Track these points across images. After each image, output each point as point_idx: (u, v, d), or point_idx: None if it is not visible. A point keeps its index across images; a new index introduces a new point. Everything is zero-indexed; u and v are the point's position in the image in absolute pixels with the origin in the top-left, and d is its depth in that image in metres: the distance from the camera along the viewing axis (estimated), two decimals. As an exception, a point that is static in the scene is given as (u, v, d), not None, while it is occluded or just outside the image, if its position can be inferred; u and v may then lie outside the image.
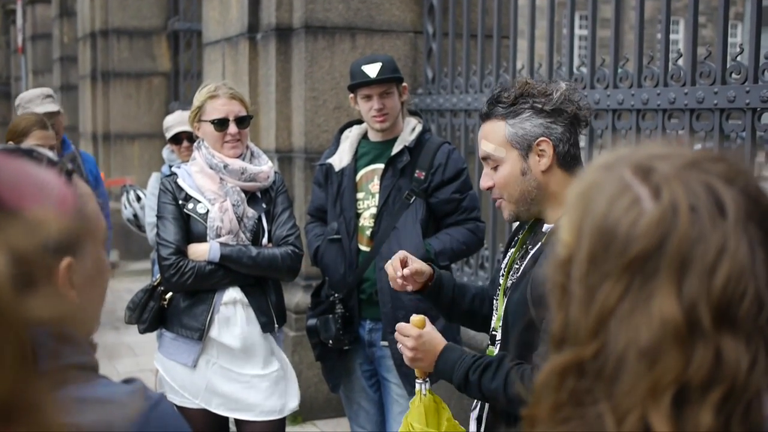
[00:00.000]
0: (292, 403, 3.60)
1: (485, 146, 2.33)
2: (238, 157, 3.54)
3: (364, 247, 3.72)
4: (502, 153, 2.30)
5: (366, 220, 3.74)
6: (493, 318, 2.49)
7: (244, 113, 3.56)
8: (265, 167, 3.59)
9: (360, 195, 3.77)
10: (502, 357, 2.27)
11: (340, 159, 3.80)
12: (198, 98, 3.56)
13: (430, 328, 2.42)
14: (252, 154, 3.62)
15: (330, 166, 3.81)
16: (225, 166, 3.49)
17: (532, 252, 2.33)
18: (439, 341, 2.41)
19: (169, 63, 10.57)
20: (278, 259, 3.49)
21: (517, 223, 2.57)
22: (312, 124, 5.35)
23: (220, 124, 3.50)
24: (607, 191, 0.91)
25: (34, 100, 5.33)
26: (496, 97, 2.33)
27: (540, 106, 2.27)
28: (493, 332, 2.45)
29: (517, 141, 2.28)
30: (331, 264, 3.75)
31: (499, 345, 2.39)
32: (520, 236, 2.49)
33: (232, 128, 3.51)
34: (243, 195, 3.52)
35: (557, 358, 0.91)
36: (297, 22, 5.41)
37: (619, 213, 0.88)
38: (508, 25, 4.81)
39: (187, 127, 4.94)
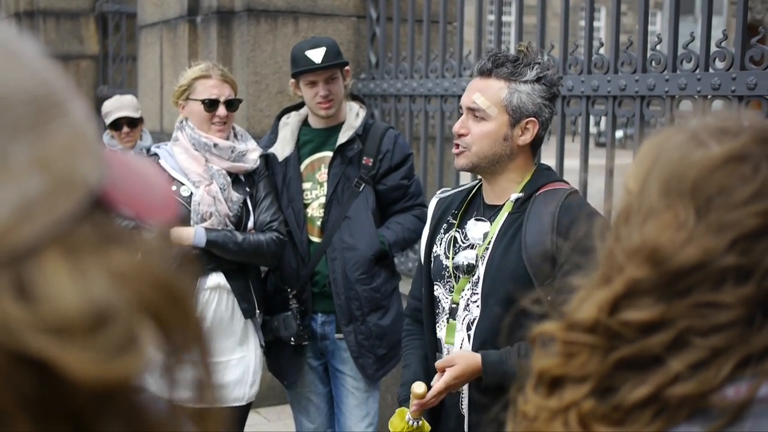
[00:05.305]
0: (254, 390, 3.51)
1: (478, 99, 2.43)
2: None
3: (314, 238, 3.61)
4: (494, 112, 2.42)
5: (315, 210, 3.62)
6: (448, 295, 2.53)
7: (233, 97, 3.50)
8: (251, 145, 3.54)
9: (306, 185, 3.64)
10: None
11: (282, 148, 3.65)
12: (187, 76, 3.48)
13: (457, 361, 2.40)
14: (240, 136, 3.55)
15: (272, 156, 3.66)
16: (215, 145, 3.42)
17: (500, 222, 2.43)
18: (472, 357, 2.38)
19: (97, 46, 10.29)
20: (263, 245, 3.42)
21: (436, 201, 2.71)
22: (254, 109, 5.25)
23: (211, 105, 3.43)
24: (678, 143, 0.95)
25: None
26: (502, 57, 2.44)
27: (541, 73, 2.41)
28: (454, 305, 2.50)
29: (512, 109, 2.41)
30: (283, 257, 3.60)
31: (478, 314, 2.43)
32: (453, 213, 2.59)
33: (222, 110, 3.44)
34: (229, 178, 3.44)
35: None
36: (239, 5, 5.29)
37: (690, 159, 0.92)
38: (453, 10, 4.78)
39: (126, 113, 4.81)
